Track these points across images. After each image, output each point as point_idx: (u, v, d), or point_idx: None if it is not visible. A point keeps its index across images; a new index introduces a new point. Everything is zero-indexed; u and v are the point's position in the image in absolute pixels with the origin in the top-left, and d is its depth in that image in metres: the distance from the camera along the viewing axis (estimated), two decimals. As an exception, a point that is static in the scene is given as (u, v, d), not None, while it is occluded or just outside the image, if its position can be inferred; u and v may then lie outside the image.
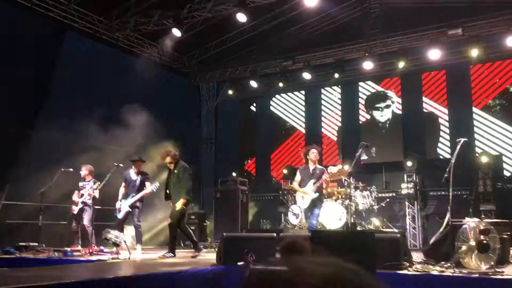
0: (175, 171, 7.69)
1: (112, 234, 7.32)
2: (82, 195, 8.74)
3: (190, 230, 8.01)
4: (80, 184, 8.90)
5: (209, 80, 15.20)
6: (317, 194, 7.33)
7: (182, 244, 10.10)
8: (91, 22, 11.20)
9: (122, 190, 8.25)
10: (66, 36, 10.96)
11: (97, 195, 8.65)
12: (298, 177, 7.66)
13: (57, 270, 5.48)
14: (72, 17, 10.83)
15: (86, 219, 8.62)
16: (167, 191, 7.81)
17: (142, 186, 8.12)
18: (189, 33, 11.81)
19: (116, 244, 7.43)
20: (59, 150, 9.99)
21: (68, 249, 7.87)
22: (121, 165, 8.50)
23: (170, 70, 13.94)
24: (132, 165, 8.29)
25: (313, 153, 7.50)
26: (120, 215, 8.04)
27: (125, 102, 10.94)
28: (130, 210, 8.00)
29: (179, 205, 7.46)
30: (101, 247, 8.24)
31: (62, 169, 8.53)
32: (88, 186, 8.75)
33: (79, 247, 8.46)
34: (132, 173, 8.25)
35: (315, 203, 7.38)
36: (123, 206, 8.04)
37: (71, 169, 8.65)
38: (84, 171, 8.91)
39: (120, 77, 11.27)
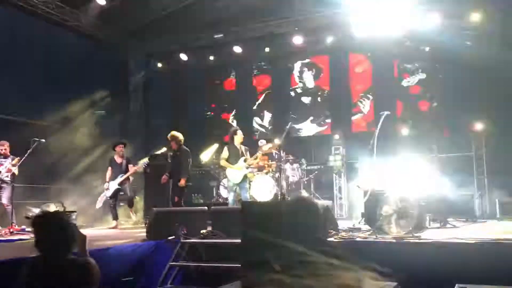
0: (177, 153, 8.58)
1: (35, 212, 7.00)
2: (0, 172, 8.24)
3: None
4: (-4, 160, 8.37)
5: (137, 52, 14.62)
6: (249, 170, 8.44)
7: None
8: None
9: (109, 173, 9.42)
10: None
11: (16, 172, 8.20)
12: (226, 153, 8.41)
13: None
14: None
15: (5, 198, 8.19)
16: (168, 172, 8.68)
17: (127, 167, 9.44)
18: (115, 1, 11.24)
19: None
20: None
21: (-13, 229, 7.45)
22: (43, 140, 8.12)
23: (95, 41, 13.21)
24: (115, 148, 9.45)
25: (239, 136, 8.42)
26: (108, 193, 9.32)
27: (45, 74, 10.32)
28: (120, 187, 9.32)
29: (182, 182, 8.30)
30: (23, 226, 7.84)
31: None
32: (6, 162, 8.27)
33: (-1, 227, 8.02)
34: (117, 158, 9.47)
35: (245, 178, 8.34)
36: (111, 185, 9.32)
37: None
38: (3, 147, 8.38)
39: (39, 47, 10.57)
